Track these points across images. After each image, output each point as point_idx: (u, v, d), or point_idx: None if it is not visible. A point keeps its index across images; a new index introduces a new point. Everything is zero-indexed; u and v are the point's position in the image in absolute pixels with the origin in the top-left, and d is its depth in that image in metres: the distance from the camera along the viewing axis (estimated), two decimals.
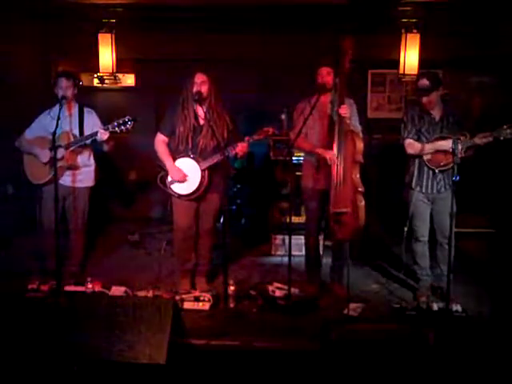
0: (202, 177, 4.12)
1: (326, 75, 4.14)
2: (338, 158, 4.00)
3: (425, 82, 4.05)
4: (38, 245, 4.52)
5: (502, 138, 3.88)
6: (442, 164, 4.07)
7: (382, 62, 6.26)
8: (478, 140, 3.92)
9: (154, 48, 6.15)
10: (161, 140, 4.25)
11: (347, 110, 4.00)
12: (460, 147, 3.74)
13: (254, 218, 6.24)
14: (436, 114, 4.14)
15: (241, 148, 4.04)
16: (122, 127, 4.16)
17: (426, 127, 4.13)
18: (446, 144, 3.97)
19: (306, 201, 4.43)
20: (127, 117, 4.16)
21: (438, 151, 4.07)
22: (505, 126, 3.87)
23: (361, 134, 4.14)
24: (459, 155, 3.71)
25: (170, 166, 4.17)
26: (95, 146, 4.48)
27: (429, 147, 4.08)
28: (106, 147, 4.41)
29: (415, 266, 4.35)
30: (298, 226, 4.82)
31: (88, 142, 4.36)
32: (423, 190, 4.16)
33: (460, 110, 4.30)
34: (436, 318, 3.75)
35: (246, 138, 4.08)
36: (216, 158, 4.09)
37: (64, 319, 3.36)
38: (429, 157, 4.12)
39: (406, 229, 4.28)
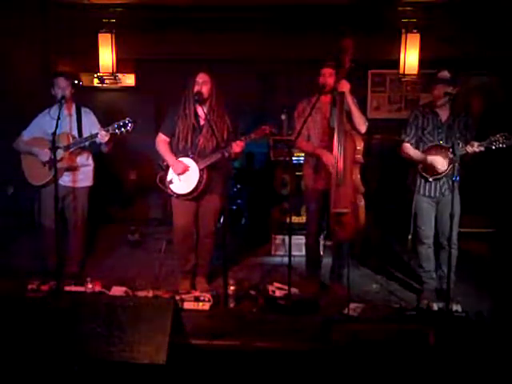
0: (201, 176, 4.12)
1: (327, 76, 4.13)
2: (338, 157, 4.00)
3: (446, 73, 4.02)
4: (38, 245, 4.52)
5: (493, 148, 3.89)
6: (435, 173, 4.08)
7: (382, 62, 6.26)
8: (469, 149, 3.92)
9: (154, 48, 6.14)
10: (162, 140, 4.26)
11: (347, 85, 4.00)
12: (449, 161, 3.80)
13: (254, 218, 6.24)
14: (443, 114, 4.13)
15: (235, 147, 4.04)
16: (123, 129, 4.15)
17: (430, 129, 4.12)
18: (434, 161, 4.01)
19: (307, 201, 4.43)
20: (127, 119, 4.15)
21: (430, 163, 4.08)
22: (497, 136, 3.88)
23: (366, 123, 4.14)
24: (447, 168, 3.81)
25: (171, 162, 4.18)
26: (94, 147, 4.47)
27: (420, 158, 4.09)
28: (104, 148, 4.40)
29: (419, 269, 4.33)
30: (298, 226, 4.83)
31: (87, 143, 4.36)
32: (427, 194, 4.16)
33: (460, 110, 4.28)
34: (436, 318, 3.74)
35: (242, 138, 4.09)
36: (214, 158, 4.10)
37: (64, 319, 3.36)
38: (422, 165, 4.12)
39: (410, 237, 4.29)
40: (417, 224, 4.22)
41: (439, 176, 4.08)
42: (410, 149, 4.18)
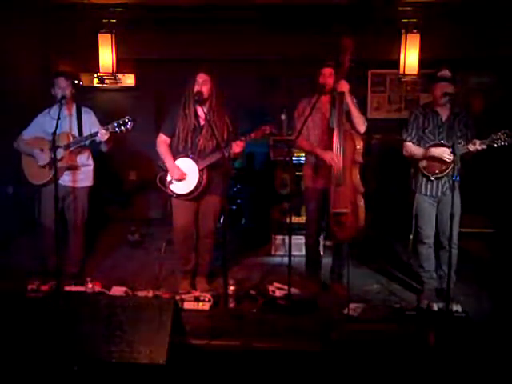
0: (200, 176, 4.12)
1: (327, 76, 4.14)
2: (338, 157, 4.00)
3: (447, 72, 4.03)
4: (38, 245, 4.52)
5: (495, 146, 3.89)
6: (436, 172, 4.08)
7: (382, 62, 6.26)
8: (471, 147, 3.92)
9: (154, 48, 6.14)
10: (162, 141, 4.26)
11: (347, 85, 4.00)
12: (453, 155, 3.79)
13: (254, 218, 6.24)
14: (443, 113, 4.13)
15: (235, 147, 4.04)
16: (122, 127, 4.15)
17: (431, 128, 4.12)
18: (440, 151, 4.00)
19: (307, 201, 4.43)
20: (127, 117, 4.16)
21: (433, 159, 4.07)
22: (499, 134, 3.87)
23: (365, 123, 4.14)
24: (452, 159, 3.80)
25: (169, 165, 4.18)
26: (94, 147, 4.47)
27: (424, 154, 4.09)
28: (104, 148, 4.41)
29: (420, 269, 4.33)
30: (298, 226, 4.83)
31: (87, 142, 4.36)
32: (428, 193, 4.16)
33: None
34: (436, 318, 3.74)
35: (242, 138, 4.09)
36: (214, 158, 4.10)
37: (64, 319, 3.36)
38: (424, 164, 4.12)
39: (411, 237, 4.28)
40: (418, 224, 4.22)
41: (442, 174, 4.07)
42: (411, 147, 4.18)
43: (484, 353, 3.28)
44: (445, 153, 4.00)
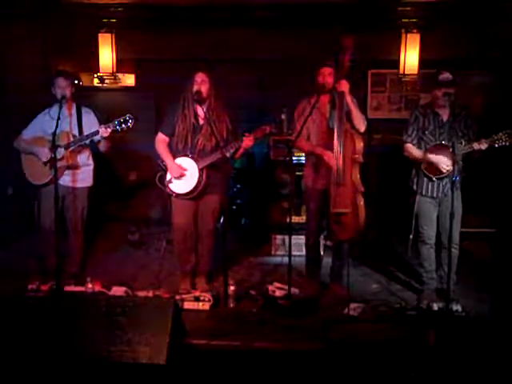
0: (200, 176, 4.12)
1: (327, 75, 4.13)
2: (338, 157, 4.00)
3: (449, 75, 4.03)
4: (38, 245, 4.51)
5: (496, 146, 3.89)
6: (438, 172, 4.08)
7: (382, 62, 6.25)
8: (476, 146, 3.93)
9: (154, 48, 6.14)
10: (161, 139, 4.26)
11: (347, 85, 3.99)
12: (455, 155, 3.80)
13: (254, 218, 6.24)
14: (444, 114, 4.13)
15: (247, 141, 4.02)
16: (123, 125, 4.16)
17: (432, 129, 4.12)
18: (437, 160, 4.01)
19: (307, 201, 4.43)
20: (128, 115, 4.16)
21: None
22: (500, 134, 3.88)
23: (365, 123, 4.14)
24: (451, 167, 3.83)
25: (169, 164, 4.18)
26: (92, 147, 4.47)
27: (424, 157, 4.09)
28: (102, 148, 4.40)
29: (420, 269, 4.33)
30: (298, 226, 4.83)
31: (87, 142, 4.36)
32: (429, 194, 4.16)
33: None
34: (436, 318, 3.74)
35: (247, 134, 4.08)
36: (215, 157, 4.10)
37: (64, 319, 3.36)
38: (426, 165, 4.12)
39: (411, 236, 4.29)
40: (419, 224, 4.22)
41: (443, 175, 4.07)
42: (412, 149, 4.19)
43: (484, 352, 3.28)
44: (442, 162, 4.01)
